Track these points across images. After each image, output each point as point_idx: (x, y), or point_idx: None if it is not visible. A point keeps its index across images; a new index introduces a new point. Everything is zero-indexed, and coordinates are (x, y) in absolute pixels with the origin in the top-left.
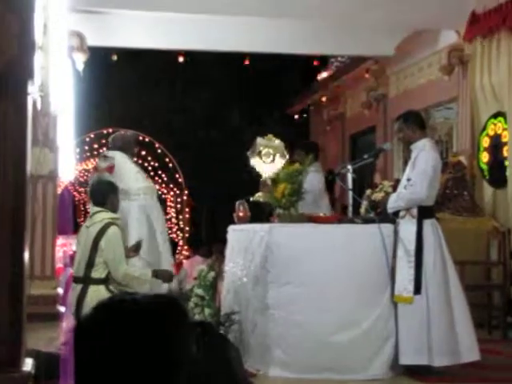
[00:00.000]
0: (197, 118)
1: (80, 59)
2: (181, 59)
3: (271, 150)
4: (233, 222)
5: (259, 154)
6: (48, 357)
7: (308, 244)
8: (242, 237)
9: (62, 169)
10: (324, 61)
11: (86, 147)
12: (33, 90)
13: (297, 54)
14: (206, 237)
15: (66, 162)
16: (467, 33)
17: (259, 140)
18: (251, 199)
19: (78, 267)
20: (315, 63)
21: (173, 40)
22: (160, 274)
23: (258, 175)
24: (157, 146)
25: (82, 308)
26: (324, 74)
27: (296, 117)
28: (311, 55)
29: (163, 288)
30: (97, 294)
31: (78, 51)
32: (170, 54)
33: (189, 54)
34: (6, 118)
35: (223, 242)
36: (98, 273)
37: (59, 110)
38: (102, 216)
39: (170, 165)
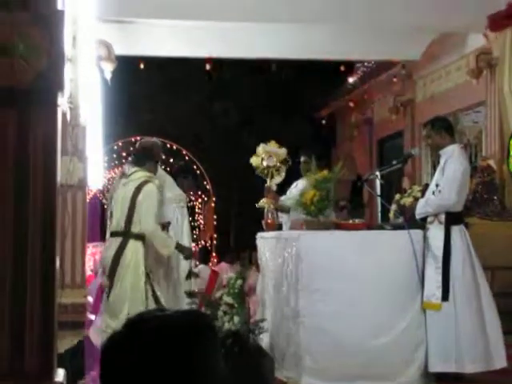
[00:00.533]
0: (224, 125)
1: (108, 68)
2: (208, 67)
3: (274, 158)
4: (261, 229)
5: (262, 160)
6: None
7: (337, 251)
8: (271, 244)
9: (91, 177)
10: (350, 66)
11: (114, 155)
12: (62, 102)
13: (323, 60)
14: (233, 243)
15: (95, 171)
16: (495, 25)
17: (262, 147)
18: (257, 205)
19: (117, 223)
20: (342, 68)
21: (199, 48)
22: (182, 249)
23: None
24: (184, 153)
25: (119, 262)
26: (351, 79)
27: (323, 122)
28: (338, 61)
29: (184, 267)
30: (135, 249)
31: (105, 60)
32: (197, 62)
33: (216, 62)
34: (37, 129)
35: (251, 248)
36: (137, 228)
37: (88, 120)
38: (139, 175)
39: (198, 172)
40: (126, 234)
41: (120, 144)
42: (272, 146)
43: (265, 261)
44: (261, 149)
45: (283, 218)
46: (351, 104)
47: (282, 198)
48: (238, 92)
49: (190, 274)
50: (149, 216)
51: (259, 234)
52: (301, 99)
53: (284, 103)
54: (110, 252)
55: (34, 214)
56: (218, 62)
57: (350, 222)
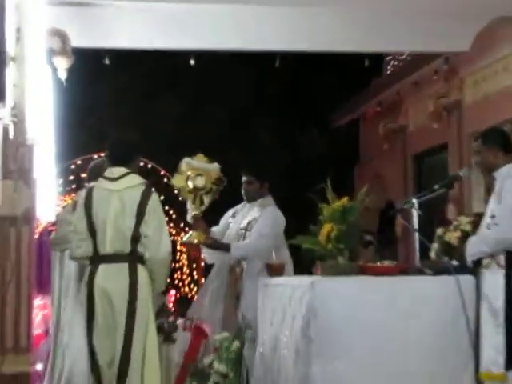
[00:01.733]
0: (212, 138)
1: (62, 65)
2: (192, 62)
3: (203, 177)
4: (264, 274)
5: (187, 179)
6: None
7: (362, 304)
8: (276, 294)
9: (40, 207)
10: (378, 60)
11: (71, 177)
12: (4, 115)
13: (343, 53)
14: None
15: (46, 198)
16: None
17: (186, 161)
18: (183, 239)
19: (112, 243)
20: (367, 63)
21: (182, 38)
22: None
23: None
24: (162, 173)
25: (136, 297)
26: (379, 78)
27: (342, 132)
28: (361, 53)
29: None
30: (147, 280)
31: (59, 55)
32: (179, 56)
33: (202, 56)
34: None
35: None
36: (142, 249)
37: (37, 137)
38: (134, 179)
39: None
40: (132, 259)
41: (79, 162)
42: (200, 160)
43: (267, 315)
44: (184, 165)
45: (212, 256)
46: (379, 109)
47: (213, 229)
48: (231, 95)
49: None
50: (164, 236)
51: (261, 281)
52: (314, 103)
53: (292, 108)
54: (116, 283)
55: None
56: (205, 56)
57: (379, 264)
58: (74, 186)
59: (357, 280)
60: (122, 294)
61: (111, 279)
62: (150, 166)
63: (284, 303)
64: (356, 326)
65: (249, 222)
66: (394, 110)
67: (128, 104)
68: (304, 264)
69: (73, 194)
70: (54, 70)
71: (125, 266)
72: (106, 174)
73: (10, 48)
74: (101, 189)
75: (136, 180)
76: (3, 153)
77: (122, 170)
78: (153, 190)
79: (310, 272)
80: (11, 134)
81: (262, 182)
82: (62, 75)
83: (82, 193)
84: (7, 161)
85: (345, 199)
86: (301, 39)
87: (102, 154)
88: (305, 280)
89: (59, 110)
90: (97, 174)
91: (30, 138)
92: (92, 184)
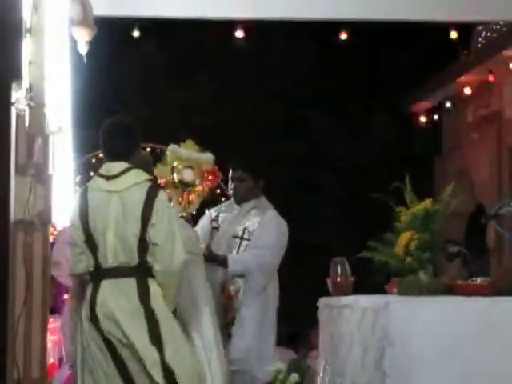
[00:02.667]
0: (263, 124)
1: (83, 37)
2: (239, 34)
3: (194, 169)
4: (326, 292)
5: (172, 170)
6: None
7: (449, 331)
8: (342, 317)
9: (56, 209)
10: (466, 31)
11: (92, 173)
12: (18, 98)
13: (422, 22)
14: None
15: (62, 199)
16: None
17: (172, 149)
18: None
19: (115, 254)
20: (453, 36)
21: (225, 5)
22: None
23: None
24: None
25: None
26: (467, 53)
27: (423, 119)
28: (446, 23)
29: None
30: (160, 295)
31: (79, 26)
32: (223, 27)
33: (250, 27)
34: None
35: (311, 322)
36: (151, 260)
37: (54, 125)
38: (138, 176)
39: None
40: (139, 271)
41: (101, 155)
42: (189, 147)
43: (329, 344)
44: (170, 153)
45: None
46: (467, 91)
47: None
48: (285, 73)
49: None
50: (177, 243)
51: (323, 301)
52: (387, 84)
53: (359, 91)
54: (122, 302)
55: None
56: (254, 28)
57: (470, 281)
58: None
59: (442, 301)
60: (136, 315)
61: (118, 298)
62: None
63: (352, 329)
64: (441, 358)
65: (245, 229)
66: (485, 93)
67: (159, 84)
68: (376, 281)
69: None
70: (74, 44)
71: (132, 282)
72: (102, 171)
73: (27, 17)
74: (97, 190)
75: (140, 176)
76: (16, 144)
77: (122, 165)
78: (159, 188)
79: (383, 290)
80: (26, 122)
81: (256, 179)
82: (83, 49)
83: (75, 197)
84: (20, 154)
85: (427, 202)
86: (371, 6)
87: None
88: (378, 300)
89: (78, 91)
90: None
91: (48, 126)
92: (86, 185)
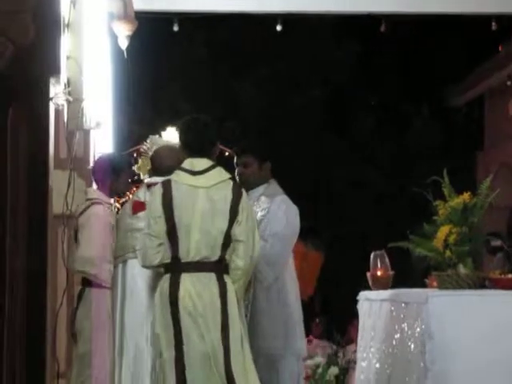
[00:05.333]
0: (305, 119)
1: (124, 32)
2: (278, 27)
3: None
4: (366, 286)
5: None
6: None
7: (491, 325)
8: (382, 311)
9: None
10: (509, 23)
11: (133, 167)
12: (57, 93)
13: (464, 14)
14: (320, 306)
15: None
16: None
17: (152, 139)
18: None
19: (197, 249)
20: (494, 27)
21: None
22: None
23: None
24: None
25: (227, 315)
26: (509, 44)
27: (463, 112)
28: (487, 15)
29: None
30: (234, 293)
31: (120, 20)
32: (263, 22)
33: (291, 21)
34: (19, 134)
35: (350, 316)
36: (229, 255)
37: (94, 119)
38: (222, 174)
39: None
40: (219, 266)
41: (142, 150)
42: (171, 136)
43: (370, 337)
44: (149, 144)
45: None
46: (509, 83)
47: None
48: (326, 68)
49: None
50: (256, 239)
51: (363, 294)
52: (427, 77)
53: (399, 84)
54: (206, 297)
55: (17, 259)
56: (295, 21)
57: (511, 276)
58: (135, 178)
59: (484, 295)
60: (214, 310)
61: (200, 292)
62: (226, 153)
63: (392, 323)
64: (483, 352)
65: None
66: None
67: (201, 79)
68: (417, 274)
69: (134, 189)
70: (114, 38)
71: (212, 277)
72: (186, 166)
73: (65, 12)
74: (182, 184)
75: (224, 174)
76: (55, 138)
77: (206, 161)
78: (240, 186)
79: (423, 284)
80: (65, 117)
81: (261, 161)
82: (123, 44)
83: (157, 189)
84: (59, 148)
85: (466, 195)
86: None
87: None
88: (418, 294)
89: (119, 86)
90: (161, 164)
91: (86, 120)
92: (168, 178)
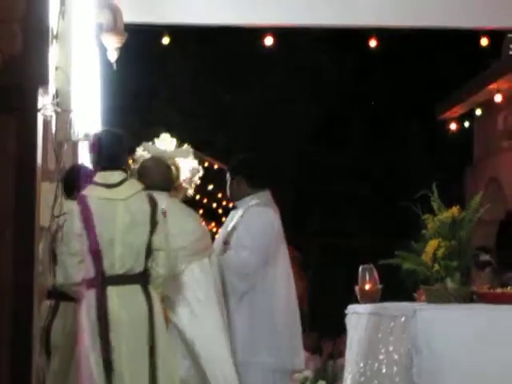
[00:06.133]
0: (294, 132)
1: (113, 44)
2: (269, 41)
3: (176, 167)
4: (354, 299)
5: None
6: None
7: (480, 339)
8: (369, 324)
9: None
10: (498, 38)
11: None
12: (45, 104)
13: (454, 29)
14: (307, 319)
15: None
16: None
17: (144, 146)
18: None
19: (122, 262)
20: (484, 42)
21: (257, 12)
22: None
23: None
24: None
25: (154, 329)
26: (498, 60)
27: (453, 127)
28: (477, 30)
29: None
30: (158, 305)
31: (109, 32)
32: (253, 35)
33: (282, 34)
34: (6, 145)
35: (338, 330)
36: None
37: (82, 130)
38: (136, 185)
39: None
40: (143, 278)
41: (131, 162)
42: (165, 143)
43: (357, 350)
44: (141, 151)
45: None
46: (498, 98)
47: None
48: (315, 80)
49: None
50: (172, 248)
51: (351, 308)
52: (416, 91)
53: (388, 98)
54: (133, 309)
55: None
56: (284, 34)
57: (499, 290)
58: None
59: (471, 309)
60: (141, 323)
61: (127, 305)
62: (215, 166)
63: (380, 336)
64: (471, 366)
65: (229, 232)
66: None
67: (190, 92)
68: (405, 288)
69: None
70: (103, 49)
71: (138, 289)
72: (99, 179)
73: (53, 23)
74: (99, 198)
75: (138, 185)
76: (43, 150)
77: (119, 174)
78: (153, 196)
79: (411, 298)
80: (53, 128)
81: (233, 176)
82: (112, 56)
83: (74, 206)
84: (47, 159)
85: (455, 209)
86: (403, 13)
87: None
88: (406, 308)
89: (107, 97)
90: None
91: (74, 132)
92: (82, 193)
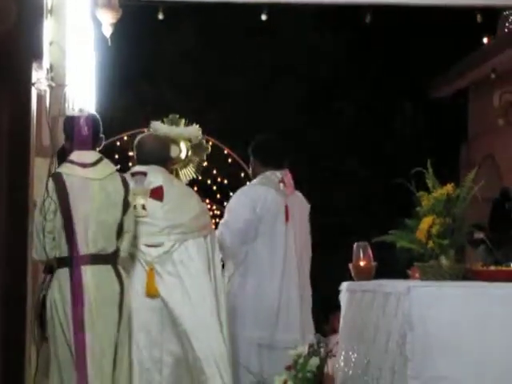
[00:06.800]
0: (287, 110)
1: (108, 20)
2: (263, 17)
3: (176, 145)
4: (349, 277)
5: None
6: None
7: (473, 316)
8: (363, 302)
9: None
10: (493, 16)
11: (116, 156)
12: (39, 78)
13: (447, 6)
14: None
15: None
16: None
17: (153, 126)
18: None
19: (94, 240)
20: (479, 20)
21: None
22: None
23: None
24: (226, 152)
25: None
26: (493, 38)
27: (446, 104)
28: (472, 7)
29: None
30: (129, 289)
31: (104, 8)
32: (247, 11)
33: (276, 10)
34: (0, 119)
35: (331, 307)
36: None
37: (77, 106)
38: (111, 166)
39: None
40: (114, 258)
41: (125, 138)
42: (173, 123)
43: (350, 328)
44: (152, 128)
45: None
46: (493, 76)
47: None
48: (310, 57)
49: None
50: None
51: (345, 285)
52: (410, 69)
53: (382, 74)
54: (106, 288)
55: None
56: (279, 11)
57: (493, 268)
58: (118, 167)
59: (464, 286)
60: (113, 302)
61: (100, 284)
62: (210, 142)
63: (374, 313)
64: (466, 343)
65: None
66: (511, 77)
67: (185, 67)
68: (399, 266)
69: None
70: (98, 26)
71: (110, 269)
72: (75, 158)
73: None
74: (74, 176)
75: (112, 167)
76: (37, 124)
77: (95, 154)
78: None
79: (406, 276)
80: (47, 102)
81: (254, 159)
82: (107, 32)
83: (49, 183)
84: (41, 135)
85: (449, 186)
86: None
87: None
88: (400, 285)
89: (102, 74)
90: (145, 153)
91: (69, 106)
92: (58, 171)
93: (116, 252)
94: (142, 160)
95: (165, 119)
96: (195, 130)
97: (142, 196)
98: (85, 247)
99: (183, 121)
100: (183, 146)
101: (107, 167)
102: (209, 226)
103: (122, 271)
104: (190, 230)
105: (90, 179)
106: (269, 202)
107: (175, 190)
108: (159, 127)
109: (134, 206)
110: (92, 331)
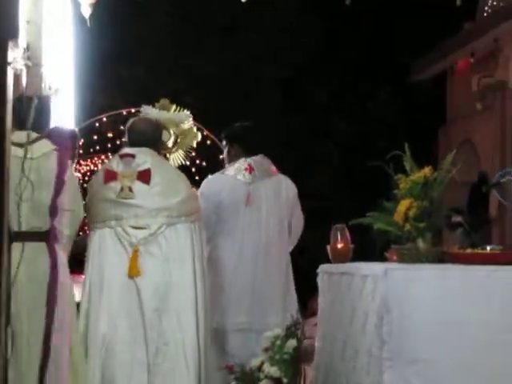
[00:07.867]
0: (267, 93)
1: (87, 0)
2: None
3: (166, 130)
4: (326, 259)
5: None
6: None
7: (450, 299)
8: (341, 284)
9: None
10: (472, 1)
11: (95, 137)
12: (15, 57)
13: None
14: None
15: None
16: None
17: (143, 110)
18: None
19: (27, 219)
20: (458, 3)
21: None
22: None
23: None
24: (206, 134)
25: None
26: (472, 22)
27: (426, 87)
28: None
29: None
30: (66, 263)
31: None
32: None
33: None
34: None
35: (309, 290)
36: (59, 225)
37: (55, 86)
38: (47, 145)
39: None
40: (49, 236)
41: (104, 120)
42: (164, 107)
43: (328, 311)
44: (143, 113)
45: None
46: (472, 60)
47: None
48: (289, 39)
49: None
50: (81, 209)
51: (322, 267)
52: (389, 52)
53: (361, 59)
54: (35, 266)
55: None
56: None
57: (469, 251)
58: (97, 148)
59: (442, 269)
60: (39, 281)
61: (30, 263)
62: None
63: (352, 296)
64: (441, 325)
65: None
66: (490, 62)
67: (167, 49)
68: (376, 249)
69: (95, 159)
70: (77, 5)
71: (43, 247)
72: (14, 138)
73: None
74: (12, 157)
75: (49, 145)
76: (13, 104)
77: (32, 134)
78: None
79: (383, 258)
80: (23, 82)
81: (230, 144)
82: (86, 12)
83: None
84: (17, 116)
85: (427, 170)
86: None
87: (133, 110)
88: (377, 268)
89: (81, 55)
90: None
91: (46, 87)
92: None
93: (52, 230)
94: (133, 142)
95: (156, 104)
96: (185, 116)
97: (128, 178)
98: (17, 225)
99: (174, 106)
100: (172, 131)
101: (43, 146)
102: (197, 211)
103: (59, 251)
104: (178, 215)
105: (24, 158)
106: (228, 190)
107: (164, 173)
108: (149, 111)
109: (121, 188)
110: (18, 310)
